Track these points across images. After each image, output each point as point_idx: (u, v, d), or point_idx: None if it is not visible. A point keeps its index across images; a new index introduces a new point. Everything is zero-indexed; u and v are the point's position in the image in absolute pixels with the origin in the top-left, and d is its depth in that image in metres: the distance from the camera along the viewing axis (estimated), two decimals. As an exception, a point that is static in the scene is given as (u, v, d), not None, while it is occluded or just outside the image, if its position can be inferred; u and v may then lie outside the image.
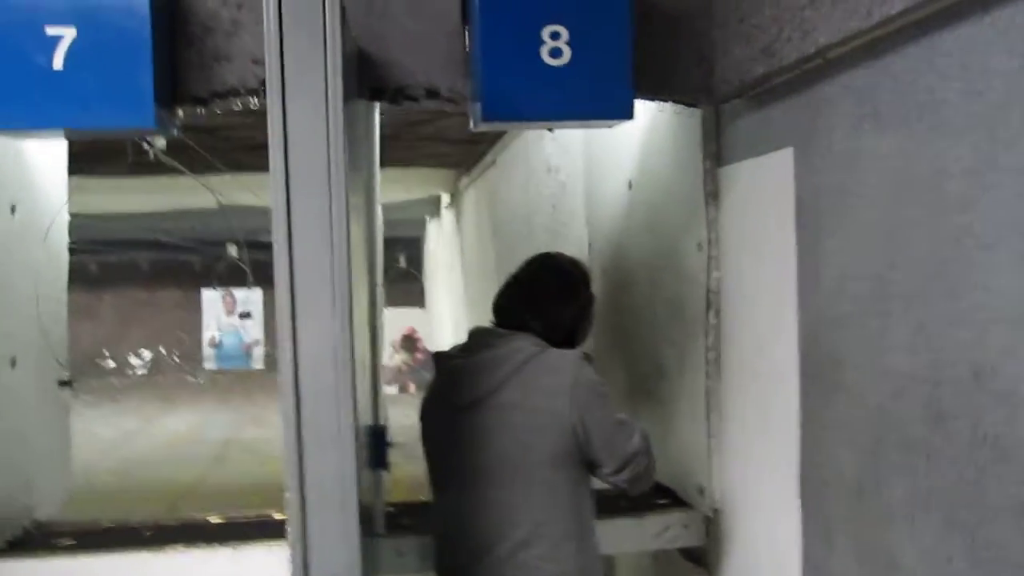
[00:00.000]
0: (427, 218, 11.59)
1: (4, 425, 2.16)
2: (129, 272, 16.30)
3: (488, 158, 5.56)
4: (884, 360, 1.47)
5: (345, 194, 1.35)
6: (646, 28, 1.93)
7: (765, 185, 1.88)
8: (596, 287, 2.33)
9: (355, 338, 1.40)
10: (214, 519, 2.40)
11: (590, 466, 1.88)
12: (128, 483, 8.28)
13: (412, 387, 11.87)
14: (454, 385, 1.92)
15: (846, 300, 1.58)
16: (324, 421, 1.32)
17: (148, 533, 2.27)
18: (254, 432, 10.55)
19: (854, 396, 1.57)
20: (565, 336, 2.01)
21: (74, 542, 2.20)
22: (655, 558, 2.59)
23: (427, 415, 2.02)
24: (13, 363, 2.22)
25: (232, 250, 5.84)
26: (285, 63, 1.37)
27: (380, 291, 2.23)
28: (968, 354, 1.26)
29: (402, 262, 8.19)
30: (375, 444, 1.90)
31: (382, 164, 2.22)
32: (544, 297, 2.01)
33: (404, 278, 8.09)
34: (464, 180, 7.25)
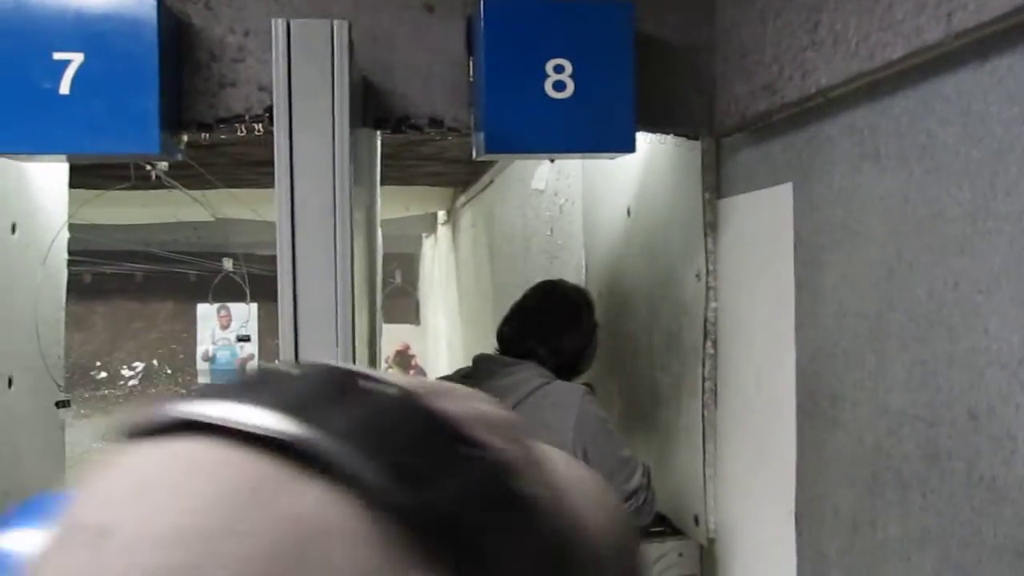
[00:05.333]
0: (423, 235, 11.61)
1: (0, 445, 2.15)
2: (123, 283, 16.26)
3: (486, 178, 5.58)
4: (881, 398, 1.48)
5: (350, 224, 1.36)
6: (648, 61, 1.95)
7: (764, 218, 1.89)
8: (592, 312, 2.34)
9: (356, 358, 1.41)
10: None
11: None
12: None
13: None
14: None
15: (844, 337, 1.59)
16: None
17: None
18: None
19: (851, 432, 1.58)
20: (570, 364, 2.01)
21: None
22: (649, 585, 2.59)
23: None
24: (10, 383, 2.21)
25: (228, 264, 5.84)
26: (293, 93, 1.38)
27: (379, 312, 2.23)
28: (965, 396, 1.27)
29: (397, 278, 8.21)
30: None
31: (380, 182, 2.23)
32: (550, 325, 2.01)
33: (399, 294, 8.09)
34: (461, 199, 7.26)
